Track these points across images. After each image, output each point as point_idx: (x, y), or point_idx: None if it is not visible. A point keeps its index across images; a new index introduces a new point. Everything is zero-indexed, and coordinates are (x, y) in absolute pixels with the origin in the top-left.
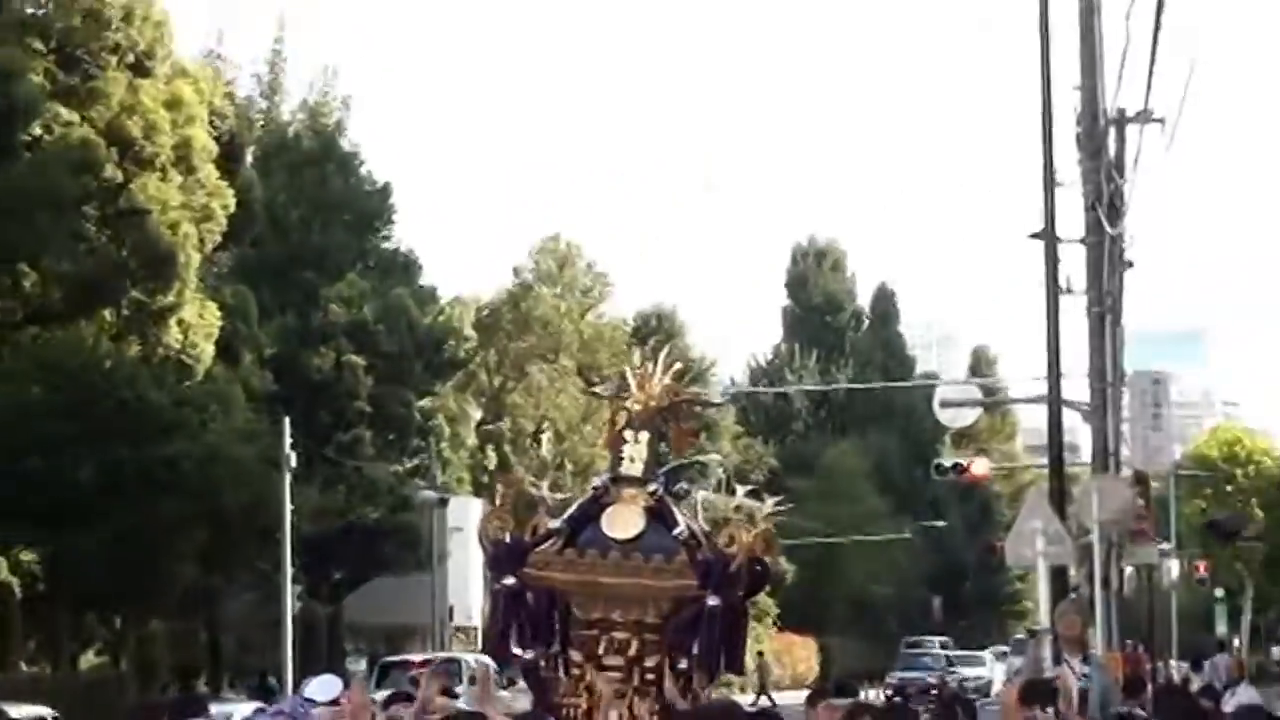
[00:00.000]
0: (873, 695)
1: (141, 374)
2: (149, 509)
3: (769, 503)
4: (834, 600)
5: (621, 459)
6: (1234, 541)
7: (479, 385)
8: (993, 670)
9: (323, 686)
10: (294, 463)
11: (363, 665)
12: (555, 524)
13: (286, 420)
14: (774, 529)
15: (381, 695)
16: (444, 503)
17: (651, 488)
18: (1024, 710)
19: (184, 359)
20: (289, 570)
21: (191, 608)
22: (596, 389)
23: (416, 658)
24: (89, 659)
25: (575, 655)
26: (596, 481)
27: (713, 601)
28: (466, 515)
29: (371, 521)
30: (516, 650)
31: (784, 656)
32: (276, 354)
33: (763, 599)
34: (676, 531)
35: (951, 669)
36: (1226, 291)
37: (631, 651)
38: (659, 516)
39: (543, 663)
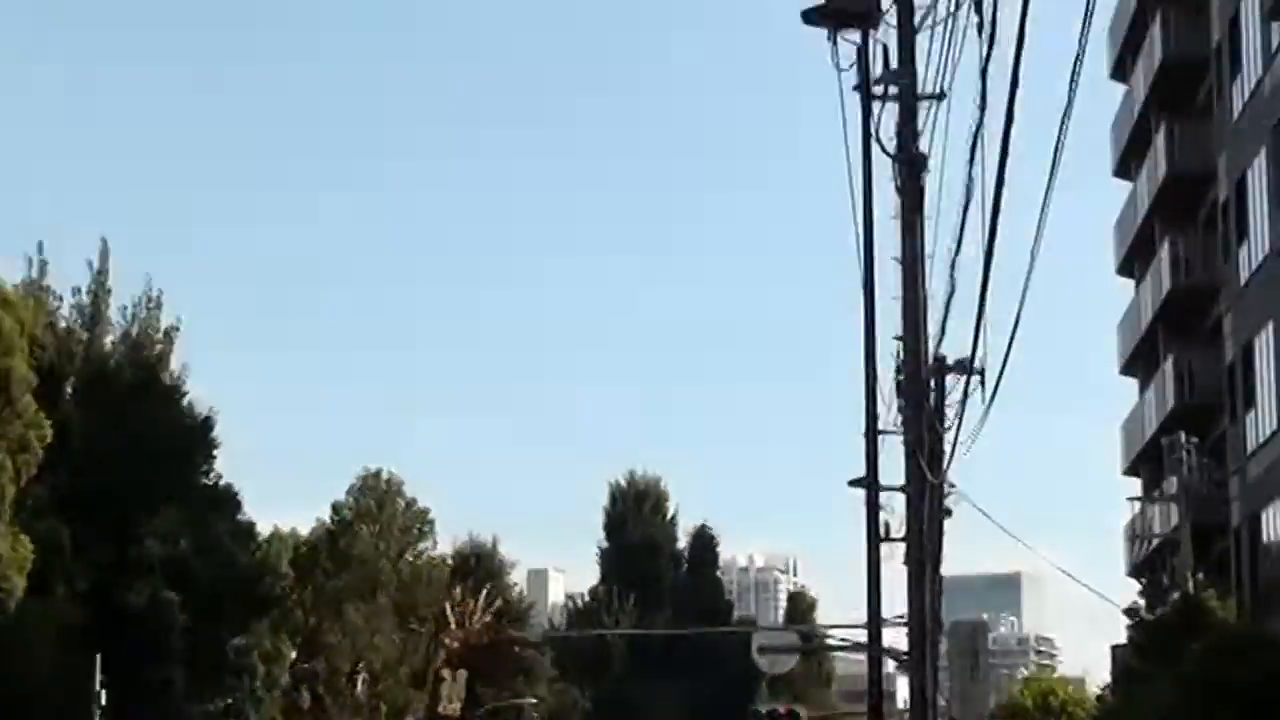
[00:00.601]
0: None
1: None
2: None
3: None
4: None
5: (440, 697)
6: None
7: (294, 623)
8: None
9: None
10: (103, 701)
11: None
12: None
13: (99, 657)
14: None
15: None
16: None
17: None
18: None
19: None
20: None
21: None
22: (415, 626)
23: None
24: None
25: None
26: None
27: None
28: None
29: None
30: None
31: None
32: (91, 588)
33: None
34: None
35: None
36: (1044, 534)
37: None
38: None
39: None
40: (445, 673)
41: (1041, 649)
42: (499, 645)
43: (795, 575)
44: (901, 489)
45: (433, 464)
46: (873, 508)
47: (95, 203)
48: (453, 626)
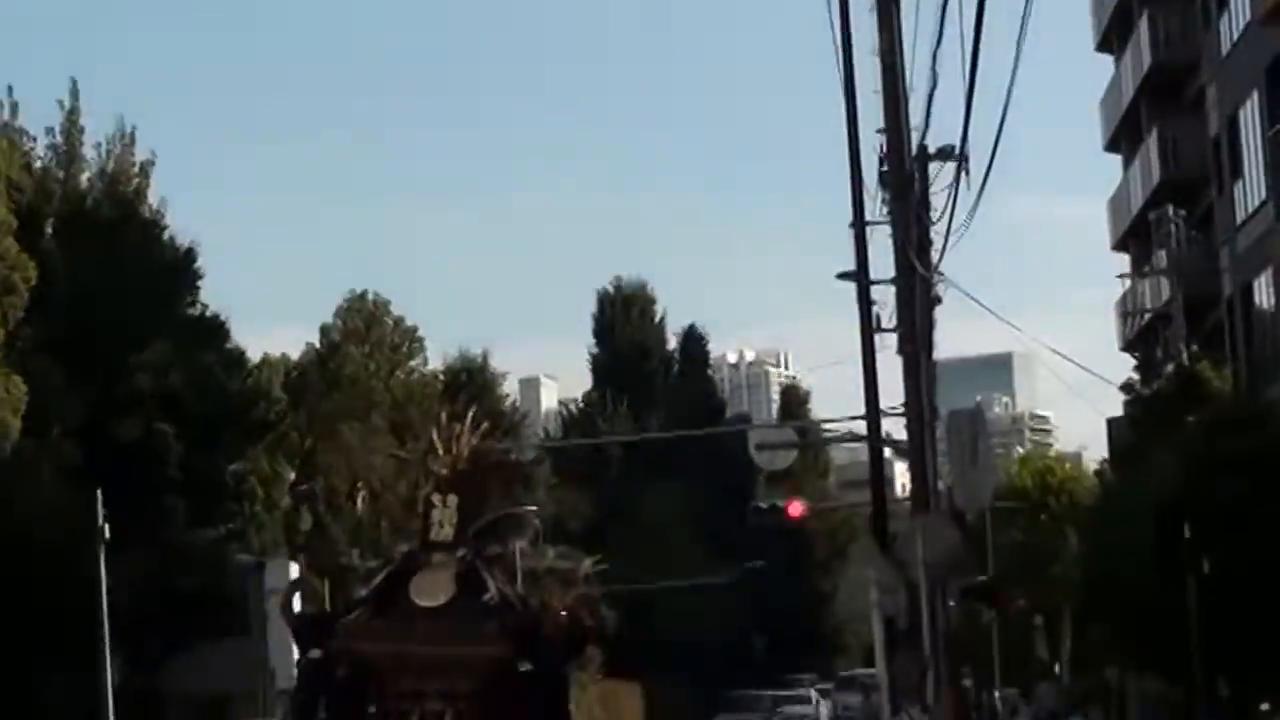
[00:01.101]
0: None
1: None
2: None
3: (586, 563)
4: (657, 645)
5: (430, 524)
6: (995, 604)
7: (290, 446)
8: (819, 709)
9: None
10: (107, 535)
11: None
12: (362, 593)
13: (99, 492)
14: (594, 591)
15: None
16: (261, 567)
17: (461, 553)
18: None
19: None
20: (107, 645)
21: (7, 688)
22: (404, 452)
23: None
24: None
25: None
26: (405, 548)
27: (525, 668)
28: (284, 578)
29: (188, 589)
30: None
31: (609, 703)
32: (84, 426)
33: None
34: (486, 597)
35: (777, 709)
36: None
37: None
38: (469, 582)
39: None
40: (435, 498)
41: (1036, 426)
42: (488, 468)
43: (787, 368)
44: (891, 281)
45: (419, 283)
46: (864, 300)
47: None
48: (440, 453)
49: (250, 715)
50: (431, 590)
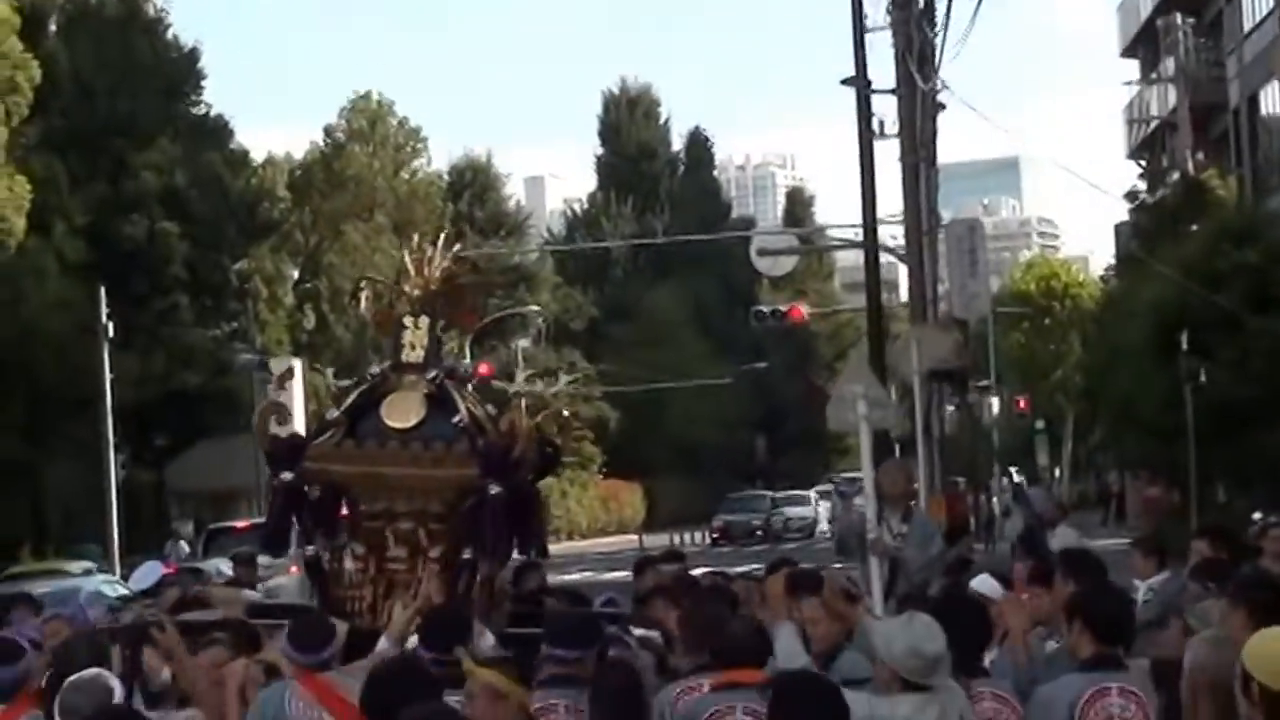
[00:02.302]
0: (698, 538)
1: None
2: None
3: (561, 381)
4: (658, 445)
5: (401, 345)
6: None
7: (294, 245)
8: (817, 510)
9: (144, 574)
10: (111, 331)
11: (189, 529)
12: (333, 414)
13: (102, 289)
14: (567, 412)
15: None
16: (264, 365)
17: (432, 374)
18: (790, 600)
19: None
20: (111, 439)
21: (12, 481)
22: (371, 280)
23: (242, 523)
24: None
25: (358, 548)
26: (375, 369)
27: (494, 489)
28: (287, 377)
29: (192, 387)
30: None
31: (610, 502)
32: (89, 224)
33: (586, 446)
34: (456, 419)
35: (776, 510)
36: (1042, 116)
37: (419, 542)
38: (440, 403)
39: (326, 555)
40: (407, 319)
41: (1044, 230)
42: (464, 290)
43: (794, 170)
44: (893, 92)
45: (424, 83)
46: (864, 107)
47: None
48: (412, 272)
49: (249, 511)
50: (402, 412)
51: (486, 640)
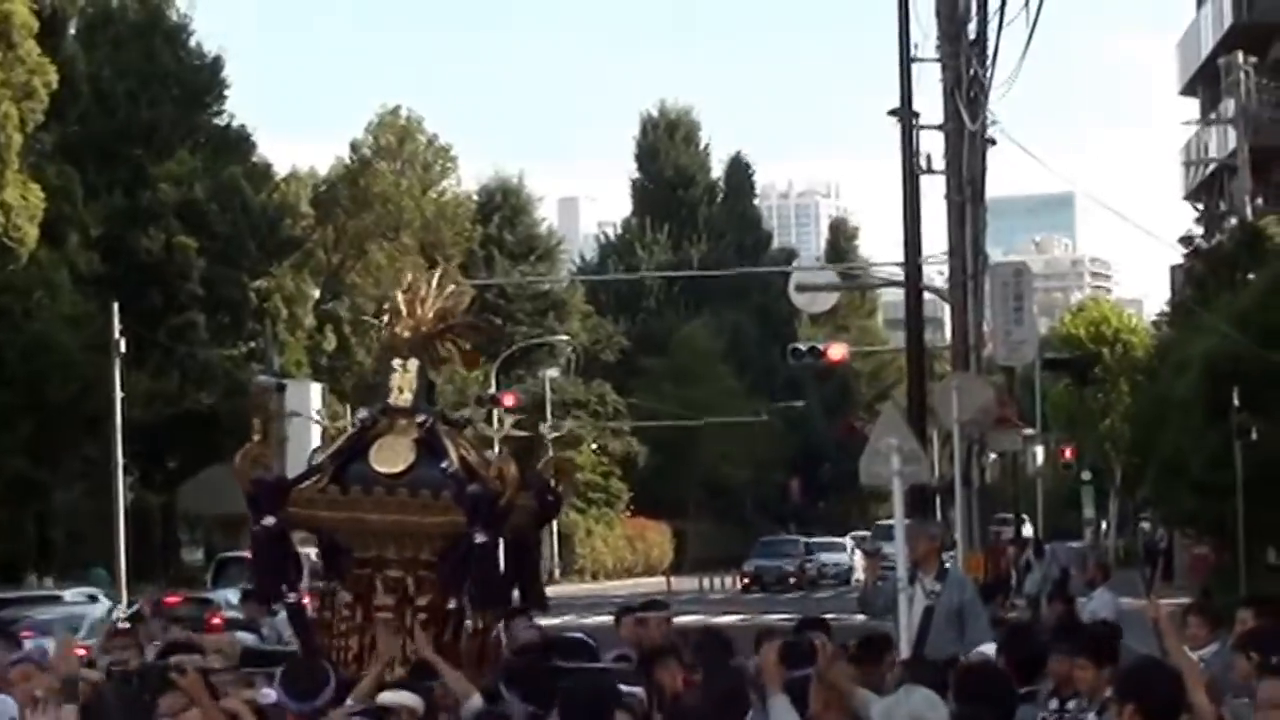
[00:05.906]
0: (728, 583)
1: None
2: None
3: (547, 430)
4: (688, 484)
5: (389, 389)
6: (1085, 379)
7: (316, 264)
8: (853, 557)
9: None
10: (124, 348)
11: (199, 557)
12: (319, 459)
13: (115, 304)
14: (565, 459)
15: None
16: (281, 388)
17: (421, 418)
18: (784, 670)
19: (6, 242)
20: (120, 460)
21: (18, 500)
22: (375, 319)
23: None
24: None
25: (346, 595)
26: (364, 413)
27: (480, 538)
28: (305, 400)
29: (205, 408)
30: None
31: (637, 542)
32: (104, 235)
33: (614, 483)
34: (445, 465)
35: (810, 556)
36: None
37: (407, 590)
38: (430, 449)
39: (311, 603)
40: (396, 362)
41: (1097, 270)
42: (461, 329)
43: (838, 199)
44: (939, 128)
45: (455, 98)
46: (908, 141)
47: None
48: (404, 314)
49: None
50: (391, 457)
51: (474, 702)
